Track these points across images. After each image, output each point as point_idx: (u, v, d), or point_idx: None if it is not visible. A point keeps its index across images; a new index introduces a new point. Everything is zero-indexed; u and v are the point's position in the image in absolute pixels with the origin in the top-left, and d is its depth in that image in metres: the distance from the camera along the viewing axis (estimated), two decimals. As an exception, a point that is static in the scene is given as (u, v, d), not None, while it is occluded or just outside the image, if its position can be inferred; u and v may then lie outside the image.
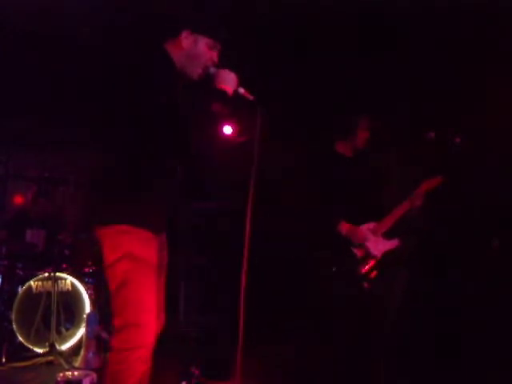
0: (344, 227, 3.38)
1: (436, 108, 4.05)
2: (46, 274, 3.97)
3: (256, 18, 3.98)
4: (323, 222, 3.45)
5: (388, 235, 3.43)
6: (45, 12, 3.98)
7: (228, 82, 2.26)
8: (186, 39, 2.30)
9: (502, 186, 3.94)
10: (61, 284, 4.01)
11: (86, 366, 3.59)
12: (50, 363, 3.69)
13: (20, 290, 3.89)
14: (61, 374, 3.14)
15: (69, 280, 4.05)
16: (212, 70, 2.32)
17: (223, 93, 2.25)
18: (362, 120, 3.57)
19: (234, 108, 2.34)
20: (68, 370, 3.34)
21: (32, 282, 3.94)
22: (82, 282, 4.09)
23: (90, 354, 3.66)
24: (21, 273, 4.09)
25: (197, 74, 2.32)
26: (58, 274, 3.96)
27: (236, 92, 2.28)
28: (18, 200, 4.96)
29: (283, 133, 4.40)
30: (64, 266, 4.16)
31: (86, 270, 4.33)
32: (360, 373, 3.22)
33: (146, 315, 2.09)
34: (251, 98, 2.31)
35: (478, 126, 3.80)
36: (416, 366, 3.32)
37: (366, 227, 3.42)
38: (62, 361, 3.67)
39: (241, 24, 3.79)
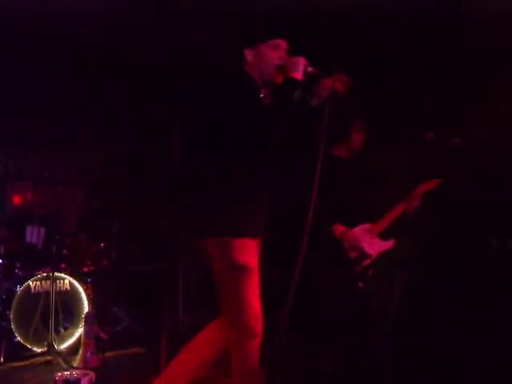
0: (338, 229, 3.39)
1: (435, 108, 4.04)
2: (45, 274, 3.97)
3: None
4: (320, 222, 3.46)
5: (384, 236, 3.44)
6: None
7: (296, 68, 2.29)
8: (249, 54, 2.42)
9: (501, 186, 3.93)
10: (59, 284, 4.01)
11: (85, 365, 3.58)
12: (48, 363, 3.69)
13: (19, 289, 3.89)
14: (59, 374, 3.14)
15: (67, 280, 4.05)
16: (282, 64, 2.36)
17: (294, 81, 2.28)
18: (356, 122, 3.57)
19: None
20: (66, 370, 3.34)
21: (31, 282, 3.94)
22: (80, 281, 4.09)
23: (89, 354, 3.65)
24: (19, 273, 4.10)
25: (275, 77, 2.37)
26: (56, 273, 3.96)
27: (306, 73, 2.30)
28: (18, 199, 4.97)
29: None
30: (63, 265, 4.17)
31: (85, 269, 4.34)
32: (360, 373, 3.21)
33: (251, 317, 2.32)
34: (319, 73, 2.33)
35: (477, 126, 3.79)
36: (416, 366, 3.31)
37: (361, 228, 3.42)
38: (60, 360, 3.67)
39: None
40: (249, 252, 2.32)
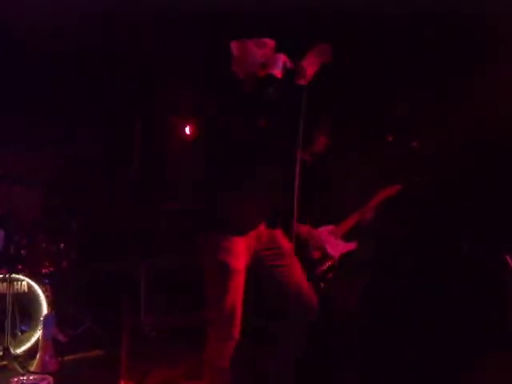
0: (303, 229, 3.41)
1: (396, 111, 4.10)
2: (1, 276, 3.85)
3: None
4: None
5: (347, 238, 3.51)
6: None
7: (276, 64, 2.32)
8: (235, 48, 2.45)
9: (461, 189, 4.03)
10: (17, 286, 3.90)
11: (43, 369, 3.49)
12: (4, 368, 3.58)
13: (-26, 292, 3.76)
14: (15, 379, 3.05)
15: (25, 281, 3.94)
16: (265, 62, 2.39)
17: (271, 78, 2.30)
18: (320, 126, 3.60)
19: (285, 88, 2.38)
20: (23, 375, 3.25)
21: (-14, 284, 3.82)
22: (39, 283, 3.99)
23: (47, 358, 3.57)
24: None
25: (256, 73, 2.39)
26: (13, 275, 3.85)
27: (285, 69, 2.33)
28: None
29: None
30: (20, 267, 4.05)
31: (44, 270, 4.23)
32: (321, 373, 3.24)
33: (229, 320, 2.33)
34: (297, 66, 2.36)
35: (438, 128, 3.87)
36: (376, 366, 3.36)
37: (325, 229, 3.47)
38: (16, 365, 3.56)
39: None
40: (235, 252, 2.33)
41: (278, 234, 2.52)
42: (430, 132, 3.64)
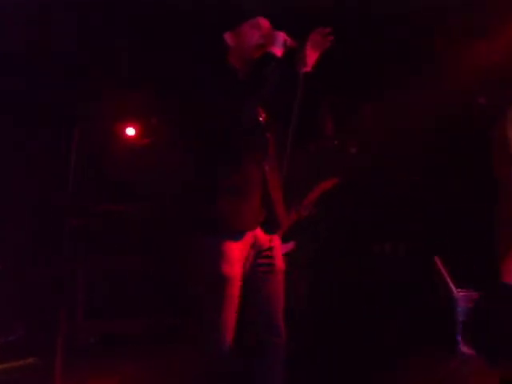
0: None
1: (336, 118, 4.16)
2: None
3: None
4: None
5: (284, 239, 3.52)
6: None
7: (275, 42, 2.18)
8: (229, 38, 2.30)
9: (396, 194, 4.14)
10: None
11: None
12: None
13: None
14: None
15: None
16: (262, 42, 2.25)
17: (270, 55, 2.16)
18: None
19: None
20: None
21: None
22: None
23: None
24: None
25: (254, 55, 2.24)
26: None
27: (286, 47, 2.20)
28: None
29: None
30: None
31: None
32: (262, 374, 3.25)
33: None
34: (295, 44, 2.24)
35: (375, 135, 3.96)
36: (320, 366, 3.41)
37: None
38: None
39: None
40: (230, 258, 2.14)
41: (277, 243, 2.35)
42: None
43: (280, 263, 2.32)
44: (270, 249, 2.29)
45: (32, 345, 4.02)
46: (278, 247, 2.35)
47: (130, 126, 5.05)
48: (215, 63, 2.35)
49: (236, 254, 2.15)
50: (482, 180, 3.17)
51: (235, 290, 2.16)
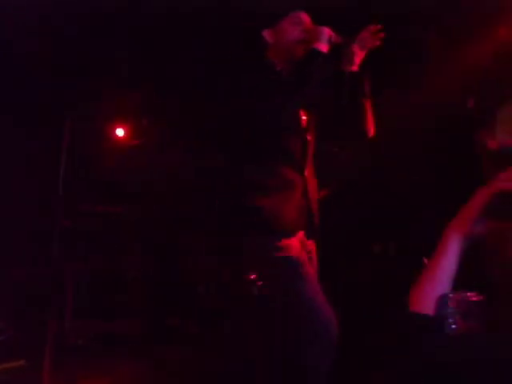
0: None
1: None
2: None
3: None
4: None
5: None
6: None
7: (319, 38, 2.09)
8: (268, 35, 2.21)
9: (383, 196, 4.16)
10: None
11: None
12: None
13: None
14: None
15: None
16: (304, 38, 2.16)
17: (316, 52, 2.07)
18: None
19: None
20: None
21: None
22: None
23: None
24: None
25: (296, 53, 2.16)
26: None
27: (331, 44, 2.10)
28: None
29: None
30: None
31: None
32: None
33: None
34: (341, 40, 2.15)
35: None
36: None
37: None
38: None
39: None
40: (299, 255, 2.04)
41: (313, 248, 2.24)
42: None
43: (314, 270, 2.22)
44: (311, 252, 2.21)
45: (20, 345, 4.01)
46: (315, 253, 2.26)
47: (119, 127, 5.02)
48: (248, 61, 2.24)
49: (299, 251, 2.06)
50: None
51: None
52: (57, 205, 3.79)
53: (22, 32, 3.93)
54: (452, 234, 1.25)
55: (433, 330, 1.16)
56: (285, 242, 2.01)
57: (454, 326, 1.15)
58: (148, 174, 4.83)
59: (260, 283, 2.30)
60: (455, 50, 3.65)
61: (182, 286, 4.54)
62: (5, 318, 4.22)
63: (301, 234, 2.12)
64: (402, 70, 3.76)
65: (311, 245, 2.21)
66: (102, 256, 4.56)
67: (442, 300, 1.18)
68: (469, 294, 1.20)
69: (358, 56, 2.18)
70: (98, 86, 4.28)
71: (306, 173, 2.18)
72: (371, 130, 2.56)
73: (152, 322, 4.42)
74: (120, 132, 5.02)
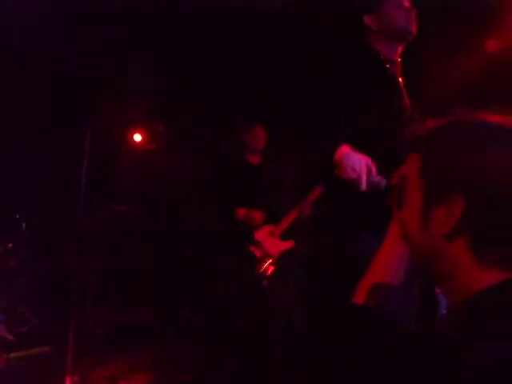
0: (241, 212, 3.66)
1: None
2: None
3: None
4: (227, 223, 3.72)
5: (284, 237, 3.74)
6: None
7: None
8: (371, 21, 2.08)
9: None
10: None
11: (-12, 366, 3.54)
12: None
13: None
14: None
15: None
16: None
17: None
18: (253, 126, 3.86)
19: None
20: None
21: None
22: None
23: (-9, 355, 3.62)
24: None
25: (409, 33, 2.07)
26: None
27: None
28: None
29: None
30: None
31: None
32: (259, 370, 3.38)
33: None
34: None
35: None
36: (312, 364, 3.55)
37: (264, 229, 3.73)
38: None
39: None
40: None
41: None
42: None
43: None
44: None
45: (45, 334, 4.23)
46: None
47: (136, 132, 5.23)
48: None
49: None
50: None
51: None
52: (77, 204, 4.02)
53: (47, 36, 4.07)
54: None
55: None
56: None
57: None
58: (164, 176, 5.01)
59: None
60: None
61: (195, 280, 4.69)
62: (30, 308, 4.45)
63: None
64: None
65: None
66: (120, 252, 4.77)
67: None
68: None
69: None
70: (119, 93, 4.46)
71: None
72: None
73: (165, 312, 4.61)
74: (137, 137, 5.23)
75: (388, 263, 1.11)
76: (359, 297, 1.11)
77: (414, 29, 2.04)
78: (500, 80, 3.56)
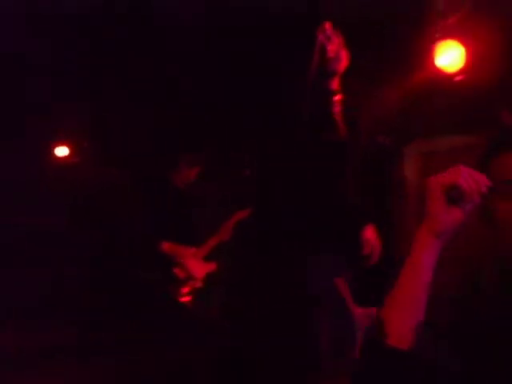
0: (165, 246, 3.68)
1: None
2: None
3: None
4: (150, 244, 3.74)
5: (207, 258, 3.83)
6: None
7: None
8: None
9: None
10: None
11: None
12: None
13: None
14: None
15: None
16: None
17: None
18: (185, 157, 3.91)
19: None
20: None
21: None
22: None
23: None
24: None
25: None
26: None
27: None
28: None
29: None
30: None
31: None
32: None
33: None
34: None
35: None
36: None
37: (188, 251, 3.80)
38: None
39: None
40: None
41: None
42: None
43: None
44: None
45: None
46: None
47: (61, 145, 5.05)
48: None
49: None
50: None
51: None
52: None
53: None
54: (423, 237, 1.04)
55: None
56: None
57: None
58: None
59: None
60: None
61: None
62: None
63: None
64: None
65: None
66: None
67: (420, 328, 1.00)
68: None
69: None
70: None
71: None
72: None
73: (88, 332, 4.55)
74: (62, 151, 5.04)
75: (419, 298, 1.02)
76: (401, 340, 0.99)
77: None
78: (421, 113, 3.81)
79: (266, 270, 2.12)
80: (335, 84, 2.01)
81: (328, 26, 1.88)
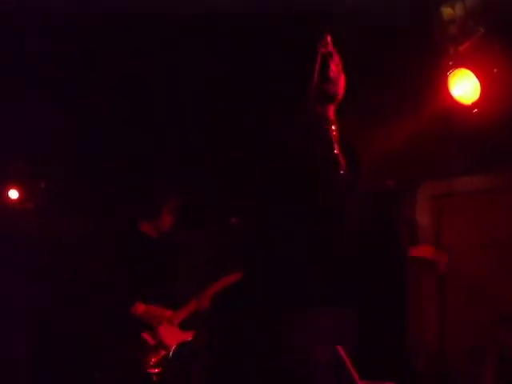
0: (140, 307, 3.26)
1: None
2: None
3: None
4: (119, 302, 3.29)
5: (183, 327, 3.42)
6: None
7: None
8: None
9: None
10: None
11: None
12: None
13: None
14: None
15: None
16: None
17: None
18: (168, 203, 3.52)
19: None
20: None
21: None
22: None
23: None
24: None
25: None
26: None
27: None
28: None
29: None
30: None
31: None
32: None
33: None
34: None
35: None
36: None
37: (163, 315, 3.34)
38: None
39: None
40: None
41: None
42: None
43: None
44: None
45: None
46: None
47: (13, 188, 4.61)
48: None
49: None
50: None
51: None
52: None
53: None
54: None
55: None
56: None
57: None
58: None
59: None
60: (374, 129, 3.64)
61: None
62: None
63: None
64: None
65: None
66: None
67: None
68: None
69: None
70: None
71: None
72: None
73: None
74: (14, 194, 4.59)
75: None
76: None
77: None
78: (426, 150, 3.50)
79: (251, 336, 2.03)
80: (331, 112, 1.79)
81: (330, 39, 1.73)
